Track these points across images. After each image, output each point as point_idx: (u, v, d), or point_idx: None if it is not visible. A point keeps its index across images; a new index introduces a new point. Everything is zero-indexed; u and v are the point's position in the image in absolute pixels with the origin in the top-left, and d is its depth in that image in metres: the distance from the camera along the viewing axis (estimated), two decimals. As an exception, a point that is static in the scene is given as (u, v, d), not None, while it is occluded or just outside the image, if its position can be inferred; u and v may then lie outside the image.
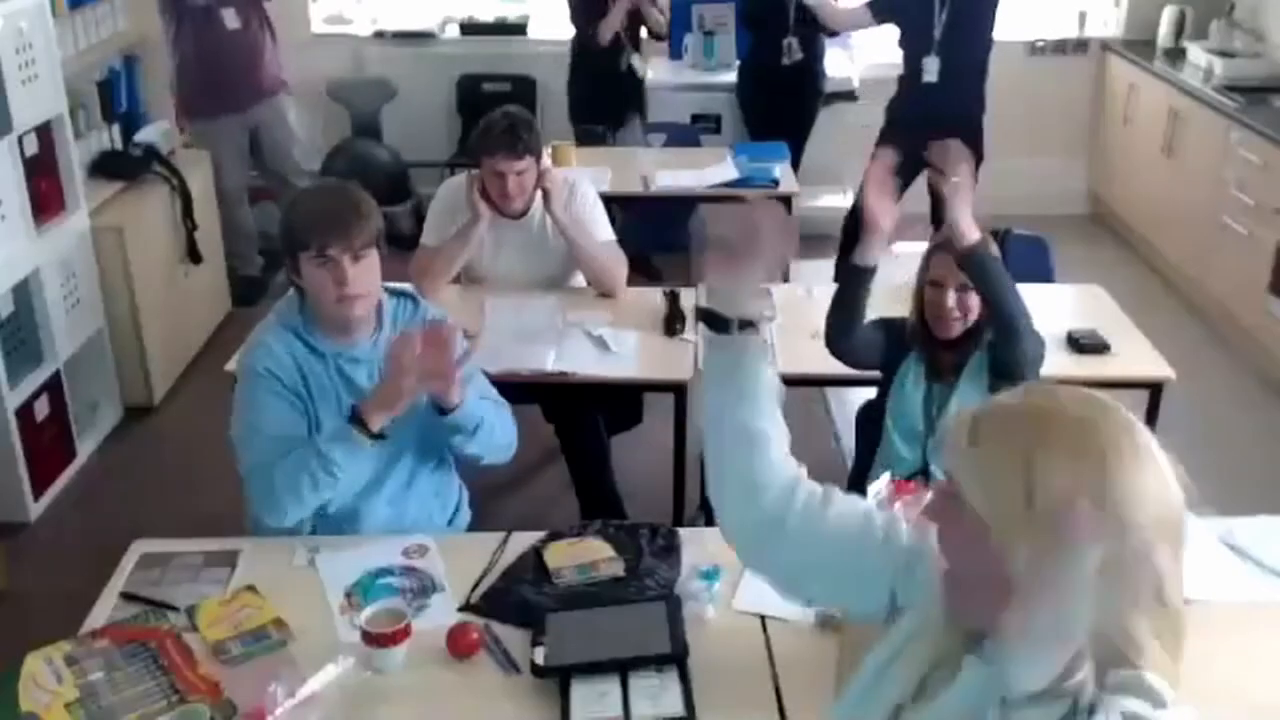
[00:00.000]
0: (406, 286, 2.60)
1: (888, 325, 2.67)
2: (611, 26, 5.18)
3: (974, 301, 2.48)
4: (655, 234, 4.72)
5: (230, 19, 4.99)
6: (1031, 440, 1.10)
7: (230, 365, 2.77)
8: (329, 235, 2.22)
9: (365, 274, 2.27)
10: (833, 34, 5.32)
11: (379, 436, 2.20)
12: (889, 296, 2.79)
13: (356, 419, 2.19)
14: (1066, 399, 1.14)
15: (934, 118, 4.52)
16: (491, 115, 3.26)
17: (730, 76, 5.66)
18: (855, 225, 4.82)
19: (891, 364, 2.65)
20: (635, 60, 5.35)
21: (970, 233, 2.42)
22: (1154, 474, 1.09)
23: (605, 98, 5.38)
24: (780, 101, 5.33)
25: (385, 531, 2.35)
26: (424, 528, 2.38)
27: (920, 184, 4.82)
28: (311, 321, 2.33)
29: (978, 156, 4.61)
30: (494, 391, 2.52)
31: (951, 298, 2.48)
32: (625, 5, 5.14)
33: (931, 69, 4.56)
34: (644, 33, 5.43)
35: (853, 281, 2.60)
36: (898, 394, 2.63)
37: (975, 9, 4.52)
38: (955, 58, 4.53)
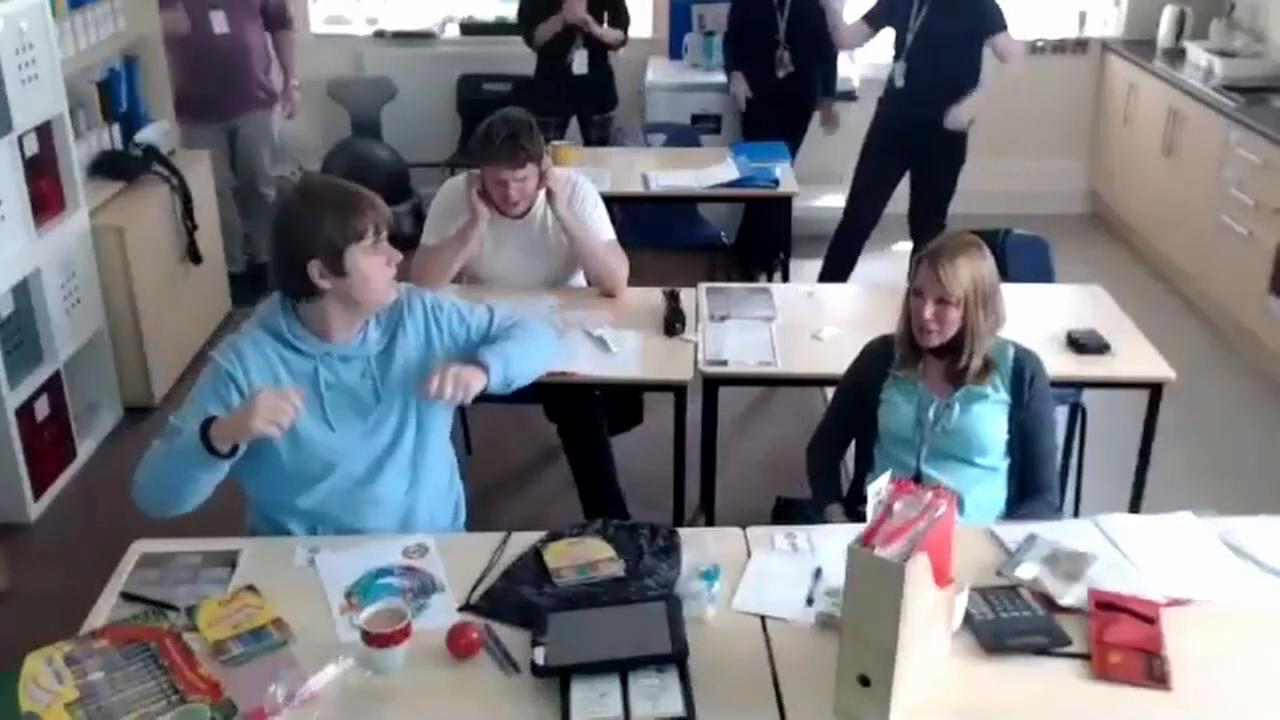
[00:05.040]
0: None
1: (847, 393, 2.73)
2: (545, 35, 5.21)
3: (952, 316, 2.45)
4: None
5: (219, 23, 4.76)
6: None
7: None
8: (379, 216, 2.22)
9: None
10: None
11: (225, 455, 2.11)
12: (888, 296, 2.78)
13: (206, 433, 2.10)
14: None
15: (913, 123, 4.61)
16: (492, 120, 3.23)
17: (730, 77, 5.66)
18: (842, 246, 4.89)
19: (872, 392, 2.65)
20: (576, 57, 5.26)
21: None
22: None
23: (550, 93, 5.33)
24: (775, 111, 5.33)
25: (393, 523, 2.36)
26: (430, 522, 2.40)
27: (902, 184, 4.87)
28: (296, 323, 2.27)
29: (958, 160, 4.70)
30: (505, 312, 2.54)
31: (929, 309, 2.45)
32: (558, 23, 5.15)
33: (899, 74, 4.62)
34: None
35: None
36: (888, 409, 2.61)
37: (948, 23, 4.50)
38: (925, 67, 4.56)
